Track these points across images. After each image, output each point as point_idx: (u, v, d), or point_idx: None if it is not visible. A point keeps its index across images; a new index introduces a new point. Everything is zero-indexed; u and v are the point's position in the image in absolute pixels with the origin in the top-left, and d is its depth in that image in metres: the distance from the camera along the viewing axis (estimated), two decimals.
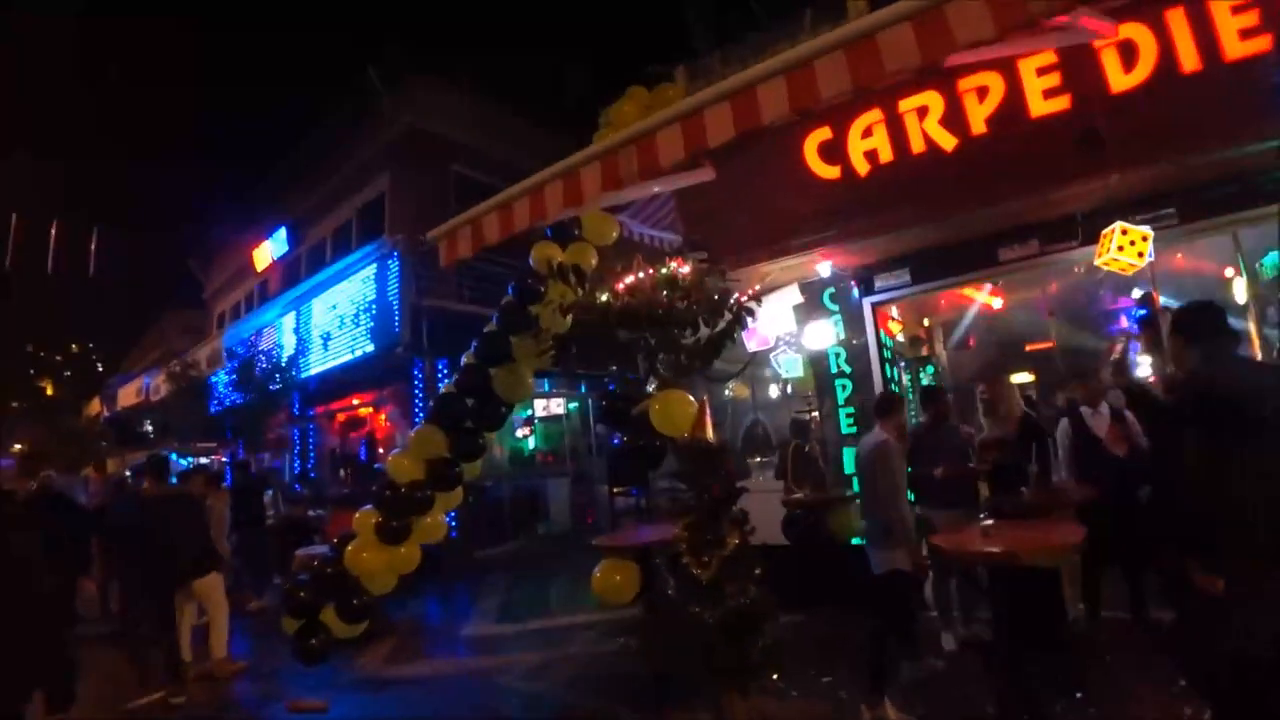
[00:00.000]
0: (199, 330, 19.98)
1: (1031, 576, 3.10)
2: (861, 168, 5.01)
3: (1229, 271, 6.94)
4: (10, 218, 11.78)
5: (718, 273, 3.61)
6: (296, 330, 11.28)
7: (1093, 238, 4.88)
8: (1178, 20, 4.18)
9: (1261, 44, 4.04)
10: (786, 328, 6.11)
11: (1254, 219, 4.96)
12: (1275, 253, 6.40)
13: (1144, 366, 5.82)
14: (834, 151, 5.09)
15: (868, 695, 3.40)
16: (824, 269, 5.52)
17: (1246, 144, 4.28)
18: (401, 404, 10.40)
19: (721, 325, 3.48)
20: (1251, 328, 6.05)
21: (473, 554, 9.41)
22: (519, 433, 12.26)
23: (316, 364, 10.75)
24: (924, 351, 7.95)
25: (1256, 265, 6.43)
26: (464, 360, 4.72)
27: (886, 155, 4.94)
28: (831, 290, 5.87)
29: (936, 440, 4.30)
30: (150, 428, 17.92)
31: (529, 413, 12.28)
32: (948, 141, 4.75)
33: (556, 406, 12.89)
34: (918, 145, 4.85)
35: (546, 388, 12.00)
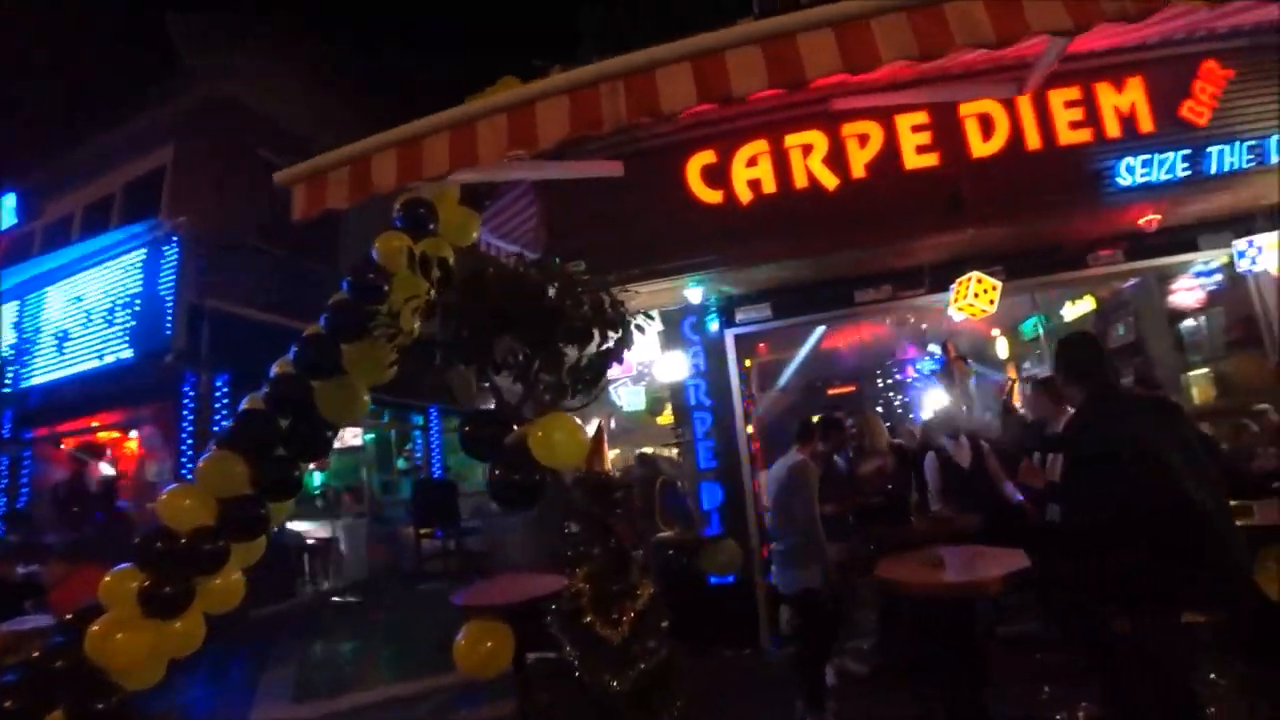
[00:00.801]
0: None
1: (959, 604, 3.03)
2: (744, 195, 4.95)
3: (995, 331, 8.17)
4: None
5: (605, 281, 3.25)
6: (18, 325, 8.90)
7: (939, 286, 5.24)
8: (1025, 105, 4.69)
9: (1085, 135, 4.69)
10: (648, 355, 5.84)
11: (1060, 282, 5.69)
12: (1033, 319, 7.53)
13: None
14: (718, 176, 4.99)
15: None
16: (694, 295, 5.35)
17: (1070, 215, 4.86)
18: (165, 427, 8.57)
19: (610, 341, 3.11)
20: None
21: (247, 613, 7.81)
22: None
23: (43, 371, 8.54)
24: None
25: (1036, 322, 7.50)
26: (275, 370, 3.78)
27: (770, 186, 4.94)
28: (693, 319, 5.73)
29: (827, 473, 4.23)
30: None
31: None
32: (830, 180, 4.85)
33: (353, 437, 11.56)
34: (800, 180, 4.92)
35: None
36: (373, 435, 11.66)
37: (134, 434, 10.73)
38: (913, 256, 5.40)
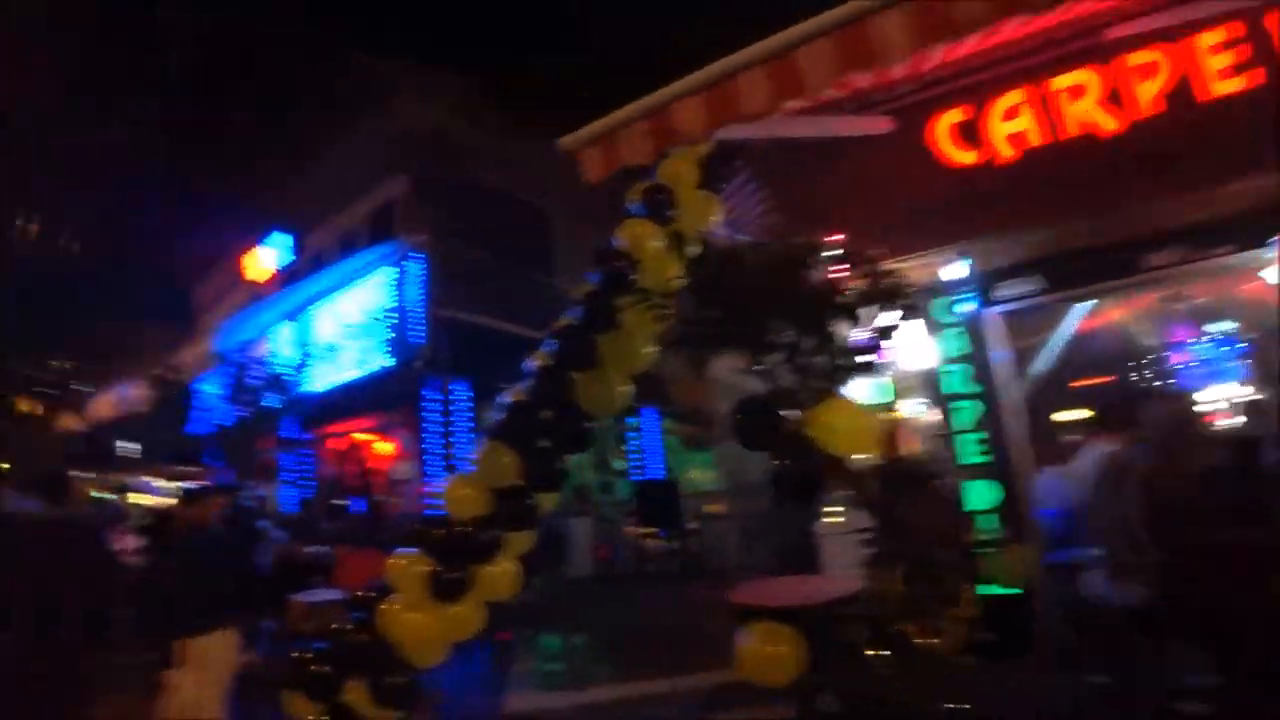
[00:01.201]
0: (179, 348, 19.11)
1: None
2: (1004, 152, 4.37)
3: None
4: None
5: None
6: (296, 342, 10.44)
7: (1252, 243, 4.28)
8: None
9: None
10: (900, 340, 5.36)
11: None
12: None
13: None
14: (970, 134, 4.45)
15: None
16: (950, 270, 4.81)
17: None
18: (411, 429, 9.55)
19: (886, 319, 2.82)
20: None
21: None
22: None
23: (319, 380, 9.89)
24: None
25: None
26: (535, 363, 3.93)
27: (1034, 139, 4.32)
28: (947, 298, 5.16)
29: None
30: (125, 445, 16.88)
31: None
32: (1108, 124, 4.14)
33: None
34: (1071, 128, 4.25)
35: None
36: None
37: (383, 435, 12.17)
38: (1214, 207, 4.45)
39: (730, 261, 3.04)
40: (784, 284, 2.79)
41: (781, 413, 2.83)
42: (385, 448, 12.70)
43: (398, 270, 8.71)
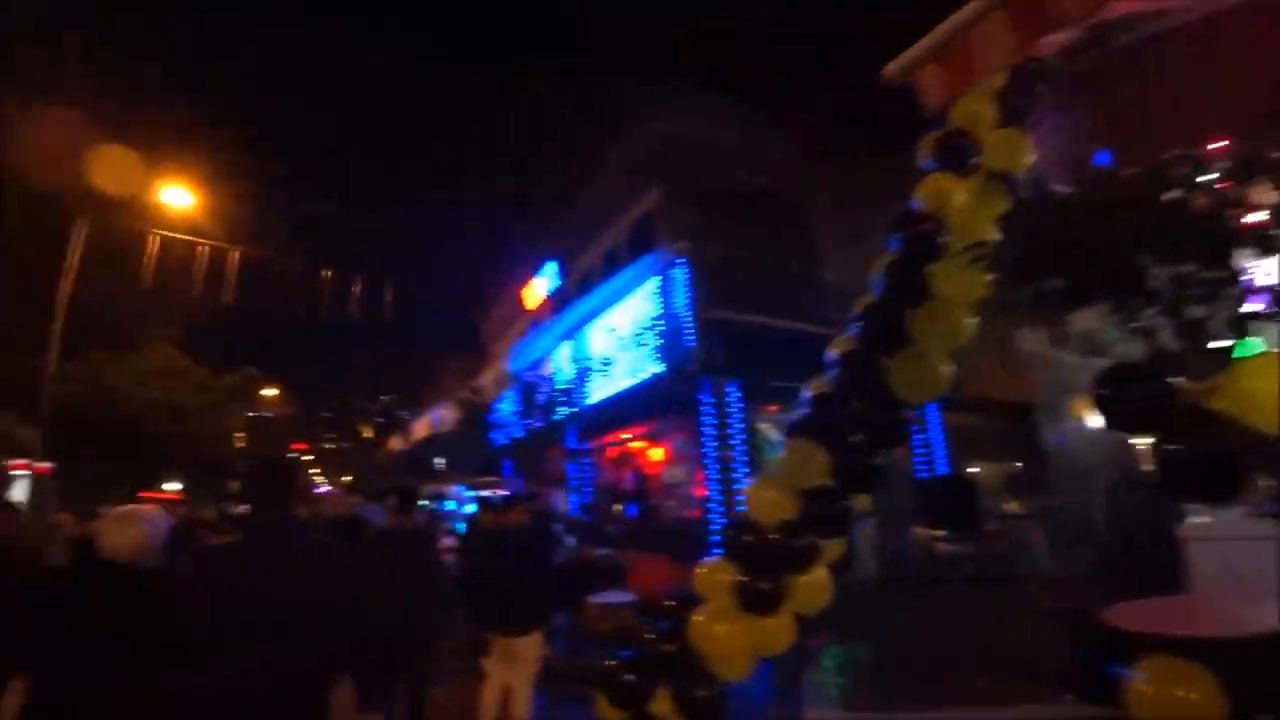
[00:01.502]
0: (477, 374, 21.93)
1: None
2: None
3: None
4: (325, 271, 12.49)
5: None
6: (574, 359, 11.21)
7: None
8: None
9: None
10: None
11: None
12: None
13: None
14: None
15: None
16: None
17: None
18: (688, 434, 9.67)
19: None
20: None
21: None
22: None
23: (597, 392, 10.46)
24: None
25: None
26: (835, 351, 3.54)
27: None
28: None
29: None
30: (438, 461, 19.65)
31: None
32: None
33: None
34: None
35: None
36: None
37: (656, 442, 12.59)
38: None
39: (1072, 202, 2.39)
40: (1156, 216, 2.10)
41: (1173, 380, 2.13)
42: (656, 454, 13.16)
43: (663, 279, 8.88)
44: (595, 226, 13.76)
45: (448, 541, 13.55)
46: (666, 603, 3.45)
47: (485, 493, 16.84)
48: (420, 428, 21.18)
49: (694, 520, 10.64)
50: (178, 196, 13.51)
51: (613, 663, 3.32)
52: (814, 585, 3.31)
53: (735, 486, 9.06)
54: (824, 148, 11.79)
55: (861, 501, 3.40)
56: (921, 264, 3.35)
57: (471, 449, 14.59)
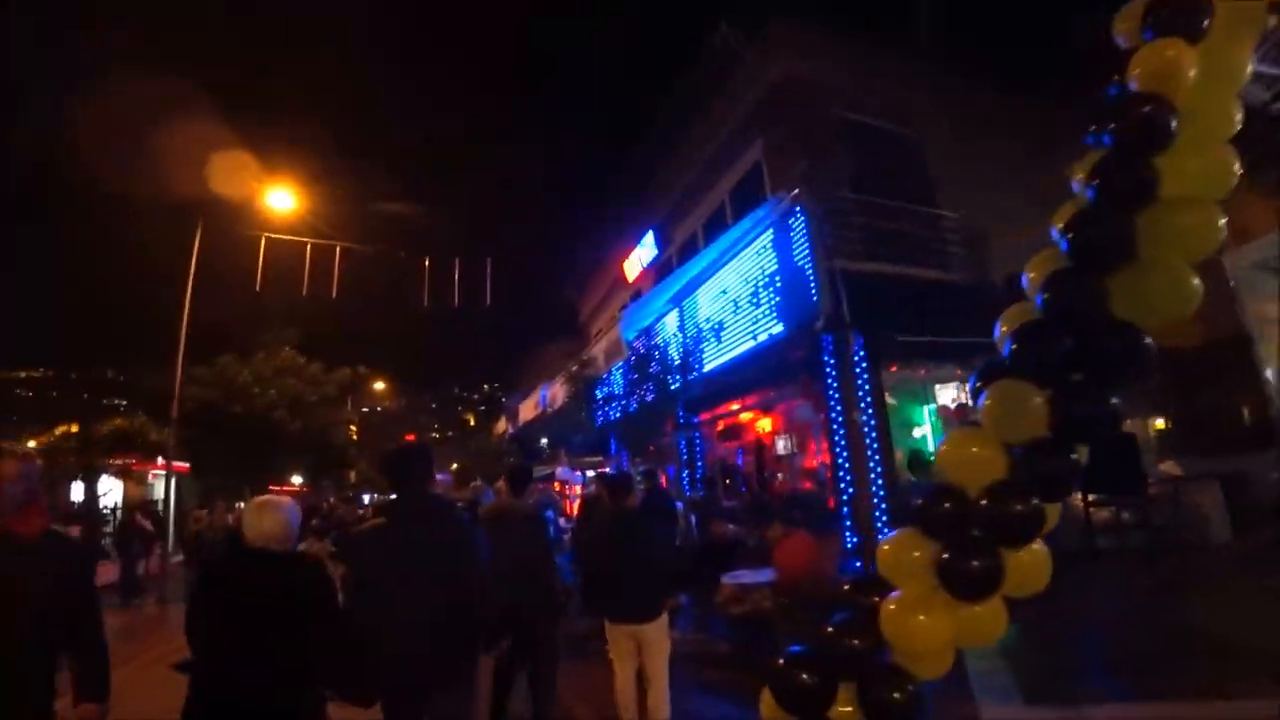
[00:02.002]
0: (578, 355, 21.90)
1: None
2: None
3: None
4: (423, 261, 12.58)
5: None
6: (685, 327, 10.75)
7: None
8: None
9: None
10: None
11: None
12: None
13: None
14: None
15: None
16: None
17: None
18: (811, 399, 9.07)
19: None
20: None
21: None
22: (915, 432, 10.01)
23: (709, 361, 9.99)
24: None
25: None
26: (1032, 272, 2.90)
27: None
28: None
29: None
30: (545, 441, 19.81)
31: (933, 405, 10.02)
32: None
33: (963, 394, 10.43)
34: None
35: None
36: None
37: (769, 411, 12.02)
38: None
39: None
40: None
41: None
42: (771, 424, 12.62)
43: (777, 231, 8.27)
44: (696, 187, 13.20)
45: (561, 523, 13.65)
46: (853, 588, 2.95)
47: (599, 471, 16.86)
48: (526, 409, 21.36)
49: (817, 493, 10.07)
50: (281, 199, 14.06)
51: (786, 661, 2.86)
52: (1033, 562, 2.72)
53: (866, 454, 8.43)
54: (942, 81, 10.77)
55: (1082, 455, 2.79)
56: (1145, 156, 2.67)
57: (578, 428, 14.43)
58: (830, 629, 2.82)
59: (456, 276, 13.74)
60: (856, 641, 2.72)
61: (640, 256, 16.00)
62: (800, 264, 7.84)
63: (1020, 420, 2.65)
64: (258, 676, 2.37)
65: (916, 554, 2.69)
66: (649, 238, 15.47)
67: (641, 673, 4.34)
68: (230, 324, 21.32)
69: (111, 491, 17.67)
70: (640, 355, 10.15)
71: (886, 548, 2.79)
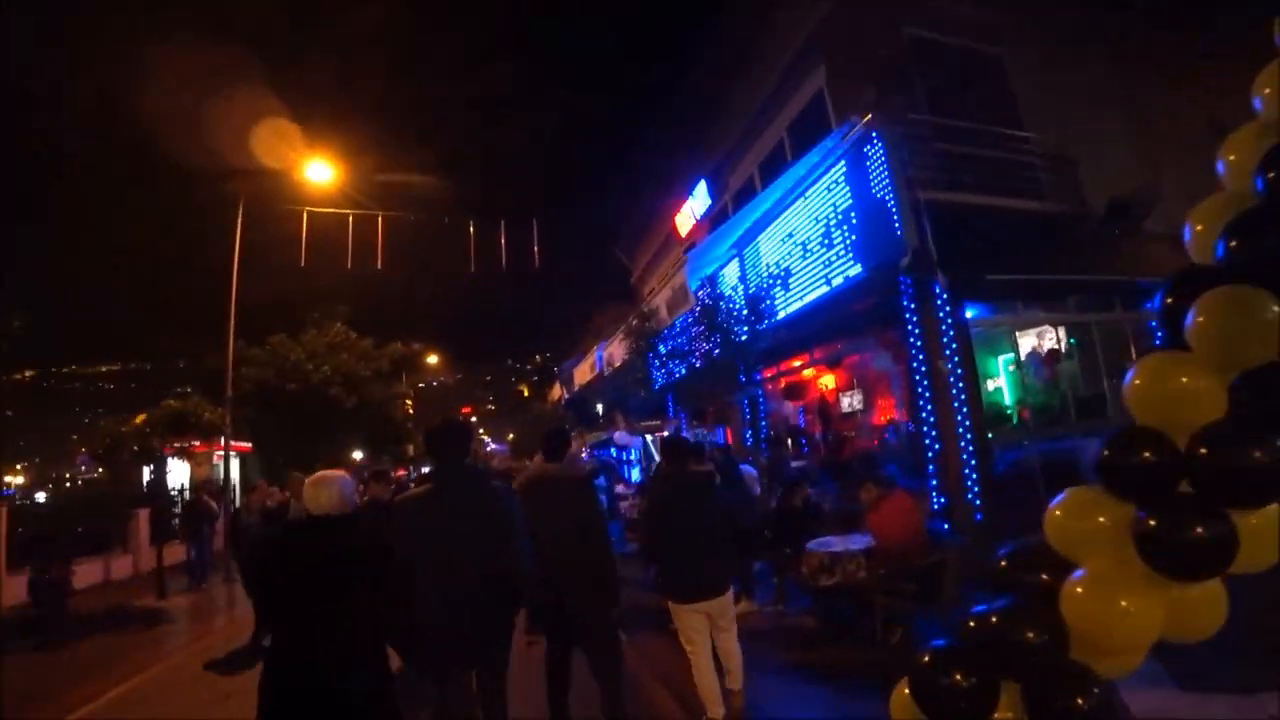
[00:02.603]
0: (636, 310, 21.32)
1: None
2: None
3: None
4: (468, 225, 12.15)
5: None
6: (743, 278, 10.07)
7: None
8: None
9: None
10: None
11: None
12: None
13: None
14: None
15: None
16: None
17: None
18: (891, 347, 8.34)
19: None
20: None
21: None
22: (988, 384, 9.09)
23: (780, 309, 9.23)
24: None
25: None
26: (1197, 225, 2.20)
27: None
28: None
29: None
30: (600, 407, 19.42)
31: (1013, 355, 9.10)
32: None
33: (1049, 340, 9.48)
34: None
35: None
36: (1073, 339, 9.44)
37: (839, 367, 11.28)
38: None
39: None
40: None
41: None
42: (827, 380, 11.91)
43: (851, 162, 7.50)
44: (750, 128, 12.34)
45: (619, 490, 13.22)
46: (1022, 561, 2.35)
47: (661, 435, 16.38)
48: (582, 373, 20.97)
49: (900, 452, 9.39)
50: (320, 171, 13.80)
51: (933, 656, 2.28)
52: (1265, 527, 2.08)
53: (953, 406, 7.71)
54: None
55: None
56: None
57: (636, 389, 13.90)
58: (989, 616, 2.25)
59: (503, 239, 13.24)
60: (1025, 633, 2.15)
61: (692, 209, 15.28)
62: (880, 196, 7.06)
63: (1250, 338, 1.99)
64: (328, 633, 2.54)
65: (1102, 519, 2.09)
66: (701, 188, 14.73)
67: (722, 647, 4.03)
68: (281, 303, 21.50)
69: (173, 473, 18.16)
70: (706, 305, 9.38)
71: (1059, 513, 2.19)
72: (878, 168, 7.06)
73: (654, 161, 17.05)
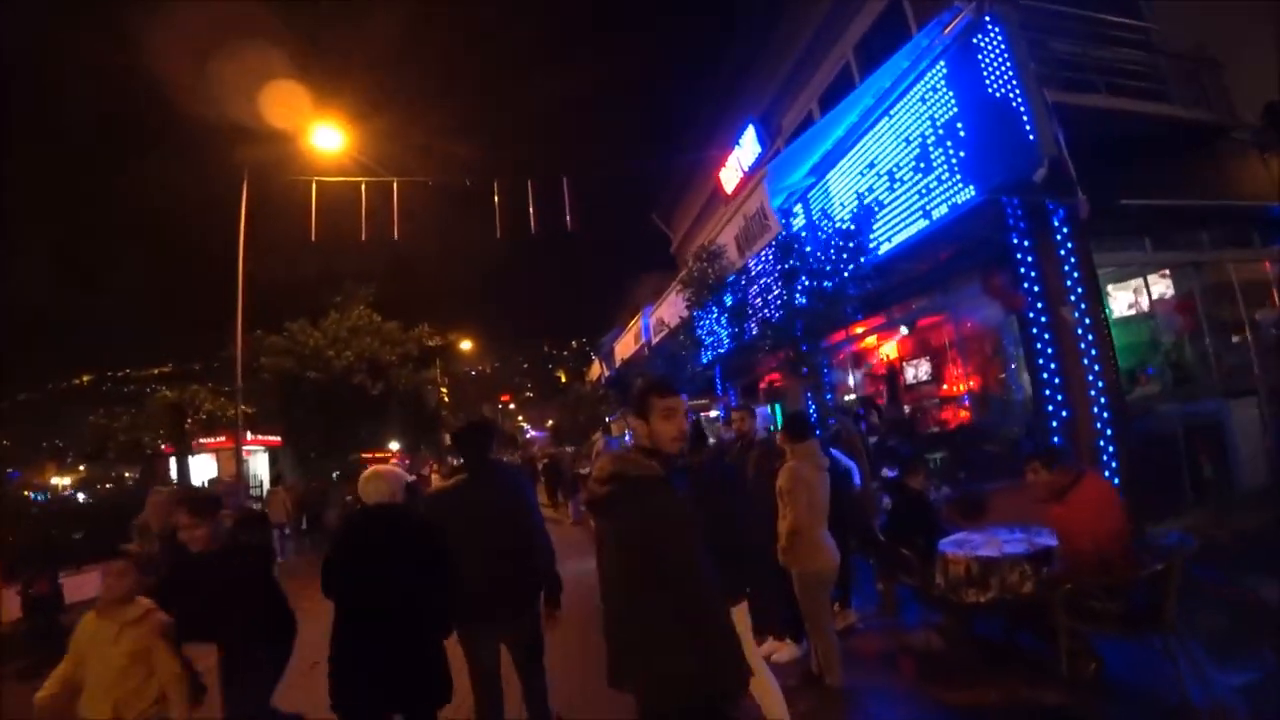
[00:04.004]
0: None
1: None
2: None
3: None
4: (492, 184, 10.94)
5: None
6: (810, 226, 8.58)
7: None
8: None
9: None
10: None
11: None
12: None
13: None
14: None
15: None
16: None
17: None
18: (999, 294, 6.96)
19: None
20: None
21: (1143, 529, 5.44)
22: None
23: (872, 252, 7.52)
24: None
25: None
26: None
27: None
28: None
29: None
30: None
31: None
32: None
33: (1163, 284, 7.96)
34: None
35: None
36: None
37: (905, 332, 9.93)
38: None
39: None
40: None
41: None
42: (889, 349, 10.51)
43: (952, 62, 6.10)
44: (808, 54, 10.91)
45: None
46: None
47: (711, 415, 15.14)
48: (625, 346, 19.43)
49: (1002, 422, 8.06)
50: (329, 138, 12.77)
51: None
52: None
53: (1083, 363, 6.39)
54: None
55: None
56: None
57: (694, 356, 12.55)
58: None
59: (530, 201, 12.02)
60: None
61: (740, 159, 13.88)
62: (1000, 96, 5.63)
63: None
64: (384, 601, 2.99)
65: None
66: (749, 134, 13.30)
67: None
68: (303, 289, 20.75)
69: (199, 471, 17.66)
70: (784, 240, 7.74)
71: None
72: (995, 60, 5.63)
73: (695, 109, 15.72)
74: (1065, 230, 6.57)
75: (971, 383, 9.05)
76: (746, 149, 13.53)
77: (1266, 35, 8.32)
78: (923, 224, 6.58)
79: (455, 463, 4.31)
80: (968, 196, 5.94)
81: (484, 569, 3.36)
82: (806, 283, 7.00)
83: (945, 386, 9.51)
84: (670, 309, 13.32)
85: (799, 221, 8.73)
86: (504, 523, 3.51)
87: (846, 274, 7.13)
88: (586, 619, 3.26)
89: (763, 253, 8.30)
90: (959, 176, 6.02)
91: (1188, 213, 7.46)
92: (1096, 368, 6.50)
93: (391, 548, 3.07)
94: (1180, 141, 7.27)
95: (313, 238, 11.78)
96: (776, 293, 7.98)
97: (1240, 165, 7.92)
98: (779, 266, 7.42)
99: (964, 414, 9.18)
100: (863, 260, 6.95)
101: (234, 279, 13.21)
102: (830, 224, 7.63)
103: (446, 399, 33.47)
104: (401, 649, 2.95)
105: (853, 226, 7.22)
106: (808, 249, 7.13)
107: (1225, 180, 7.78)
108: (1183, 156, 7.35)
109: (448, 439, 31.86)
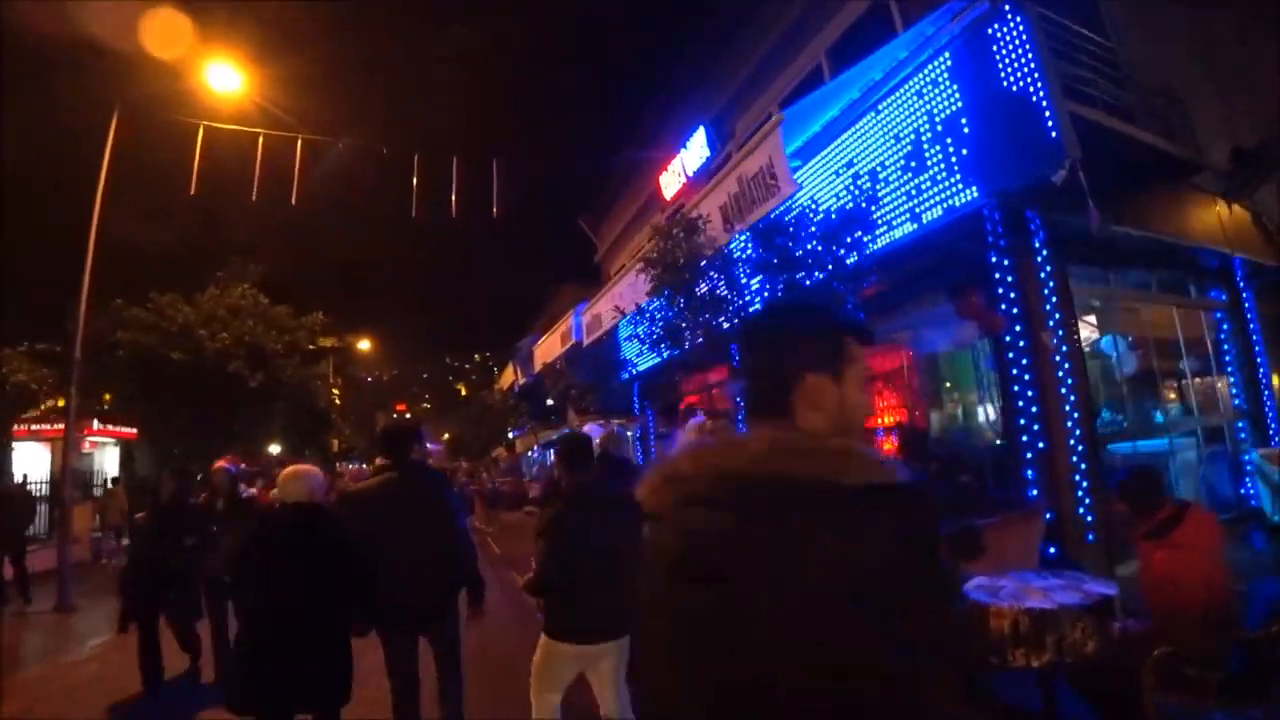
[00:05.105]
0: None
1: None
2: None
3: None
4: (413, 158, 9.83)
5: None
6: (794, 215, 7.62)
7: None
8: None
9: None
10: None
11: None
12: None
13: None
14: None
15: None
16: None
17: None
18: (974, 312, 6.53)
19: None
20: None
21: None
22: None
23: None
24: None
25: None
26: None
27: None
28: None
29: None
30: (551, 401, 17.10)
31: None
32: None
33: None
34: None
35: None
36: None
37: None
38: None
39: None
40: None
41: None
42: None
43: (959, 53, 5.65)
44: (773, 55, 10.50)
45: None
46: None
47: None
48: (548, 348, 17.74)
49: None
50: (224, 77, 11.19)
51: None
52: None
53: (1060, 391, 6.13)
54: None
55: None
56: None
57: (609, 373, 11.66)
58: None
59: (454, 180, 10.95)
60: None
61: (685, 163, 13.30)
62: (1016, 90, 5.18)
63: None
64: (300, 599, 3.04)
65: None
66: (699, 137, 12.75)
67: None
68: (178, 259, 18.57)
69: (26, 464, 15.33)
70: (768, 225, 6.78)
71: None
72: (1015, 52, 5.19)
73: (638, 109, 15.09)
74: (1045, 251, 6.27)
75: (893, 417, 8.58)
76: (694, 152, 12.98)
77: (1227, 81, 8.51)
78: (910, 228, 6.08)
79: (380, 461, 4.03)
80: (968, 199, 5.47)
81: (406, 568, 3.45)
82: (797, 276, 6.20)
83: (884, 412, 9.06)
84: (622, 298, 11.11)
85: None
86: (427, 522, 3.64)
87: (860, 264, 6.27)
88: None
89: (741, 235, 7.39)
90: (958, 177, 5.55)
91: (1152, 247, 7.35)
92: (1073, 398, 6.21)
93: (307, 546, 3.14)
94: (1148, 173, 7.14)
95: (192, 191, 10.28)
96: (756, 286, 6.97)
97: (1206, 208, 7.96)
98: (762, 254, 6.49)
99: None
100: (854, 259, 6.20)
101: (88, 235, 11.09)
102: (815, 212, 6.80)
103: (338, 402, 31.17)
104: (311, 647, 3.04)
105: (865, 198, 6.37)
106: (790, 244, 6.31)
107: (1186, 220, 7.77)
108: (1150, 189, 7.25)
109: (337, 444, 29.71)
